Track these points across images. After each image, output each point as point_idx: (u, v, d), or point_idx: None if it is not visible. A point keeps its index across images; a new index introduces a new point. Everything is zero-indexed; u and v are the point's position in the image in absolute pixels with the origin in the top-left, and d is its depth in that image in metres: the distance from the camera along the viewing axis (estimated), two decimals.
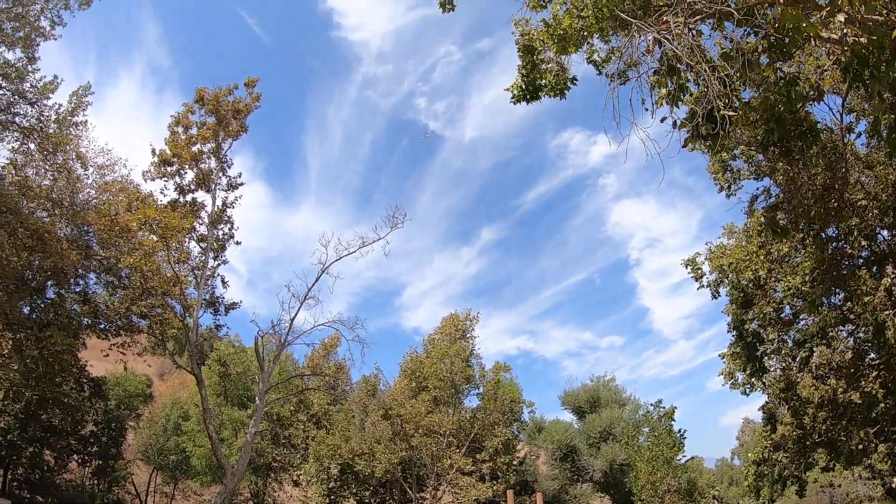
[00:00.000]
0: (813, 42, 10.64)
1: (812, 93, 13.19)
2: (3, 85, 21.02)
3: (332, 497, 34.13)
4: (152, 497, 41.32)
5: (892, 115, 10.86)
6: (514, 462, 38.84)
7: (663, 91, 7.47)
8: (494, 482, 34.30)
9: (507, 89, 11.49)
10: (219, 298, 28.90)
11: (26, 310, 23.71)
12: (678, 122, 8.07)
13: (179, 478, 41.80)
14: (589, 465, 51.18)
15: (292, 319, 26.10)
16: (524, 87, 11.25)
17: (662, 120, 8.16)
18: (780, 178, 16.58)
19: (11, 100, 21.27)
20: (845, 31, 8.25)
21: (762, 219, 17.74)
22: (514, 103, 11.52)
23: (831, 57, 11.41)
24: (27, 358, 22.20)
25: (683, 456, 38.58)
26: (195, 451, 37.36)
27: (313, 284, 26.27)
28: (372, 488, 35.02)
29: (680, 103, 7.89)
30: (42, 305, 24.09)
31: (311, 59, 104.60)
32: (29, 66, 21.37)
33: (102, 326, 25.23)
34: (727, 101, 7.42)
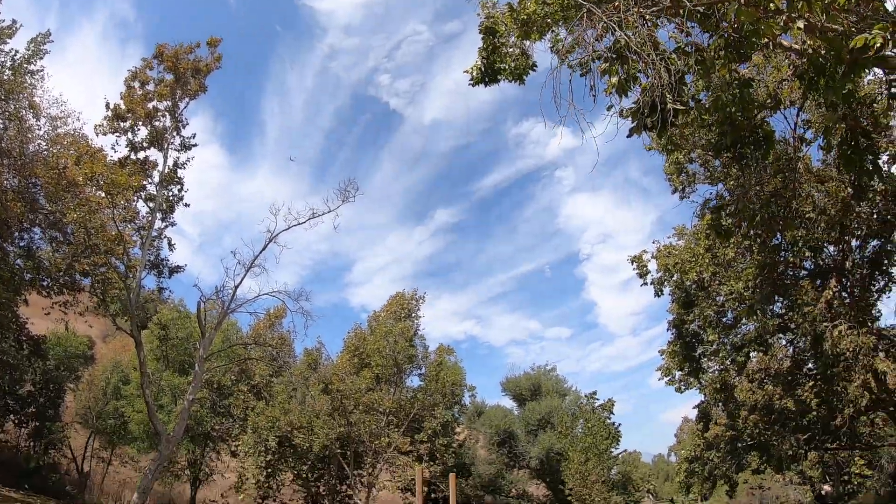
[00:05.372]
0: (773, 49, 10.64)
1: (769, 101, 13.28)
2: None
3: (270, 470, 33.65)
4: (89, 461, 40.12)
5: (844, 127, 10.93)
6: (453, 444, 38.86)
7: (613, 80, 7.32)
8: (432, 463, 34.25)
9: (467, 71, 11.28)
10: (164, 260, 28.05)
11: None
12: (624, 111, 7.92)
13: (117, 443, 40.69)
14: (526, 451, 51.57)
15: (237, 287, 25.33)
16: (483, 68, 11.05)
17: (609, 108, 8.02)
18: (732, 183, 16.70)
19: None
20: (806, 40, 8.20)
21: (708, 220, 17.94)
22: (473, 85, 11.31)
23: (791, 68, 11.43)
24: None
25: (617, 449, 39.44)
26: (133, 416, 36.27)
27: (260, 252, 25.51)
28: (310, 463, 34.54)
29: (629, 93, 7.73)
30: None
31: (275, 24, 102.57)
32: None
33: (45, 283, 24.63)
34: (676, 94, 7.30)
